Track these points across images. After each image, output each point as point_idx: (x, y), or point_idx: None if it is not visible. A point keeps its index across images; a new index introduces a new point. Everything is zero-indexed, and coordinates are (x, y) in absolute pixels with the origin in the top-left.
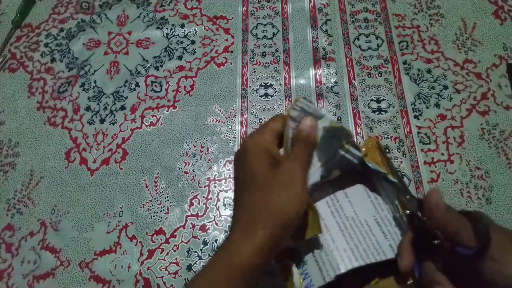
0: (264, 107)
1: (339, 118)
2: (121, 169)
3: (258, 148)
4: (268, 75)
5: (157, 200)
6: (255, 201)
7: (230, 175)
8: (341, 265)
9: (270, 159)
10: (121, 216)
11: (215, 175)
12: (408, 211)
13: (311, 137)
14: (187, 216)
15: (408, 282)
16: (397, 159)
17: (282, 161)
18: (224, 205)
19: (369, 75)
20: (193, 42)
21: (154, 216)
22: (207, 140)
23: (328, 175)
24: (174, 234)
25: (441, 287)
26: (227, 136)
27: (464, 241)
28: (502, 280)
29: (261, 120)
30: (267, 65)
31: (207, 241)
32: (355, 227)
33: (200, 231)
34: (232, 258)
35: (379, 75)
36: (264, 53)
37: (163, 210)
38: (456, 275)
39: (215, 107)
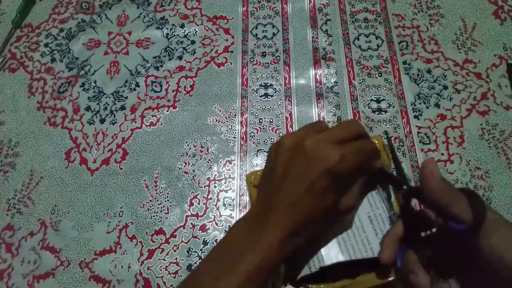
0: (264, 107)
1: (339, 118)
2: (121, 169)
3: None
4: (268, 75)
5: (157, 200)
6: (280, 193)
7: (230, 175)
8: (326, 258)
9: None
10: (121, 216)
11: (215, 175)
12: (401, 200)
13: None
14: (187, 216)
15: (390, 279)
16: None
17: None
18: (224, 205)
19: (369, 75)
20: (193, 42)
21: (154, 216)
22: (207, 140)
23: None
24: (174, 234)
25: (415, 275)
26: (227, 136)
27: (458, 214)
28: (501, 267)
29: (261, 120)
30: (267, 65)
31: (207, 241)
32: None
33: (200, 231)
34: (261, 259)
35: (379, 75)
36: (264, 53)
37: (163, 210)
38: (451, 264)
39: (215, 107)
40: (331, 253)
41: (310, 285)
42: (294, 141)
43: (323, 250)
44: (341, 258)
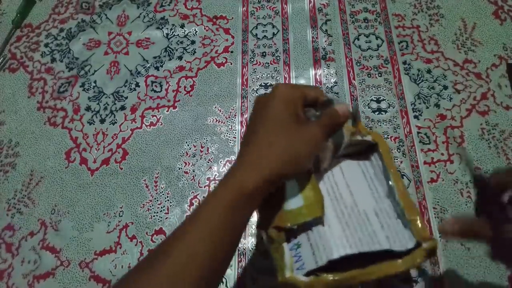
0: None
1: None
2: (121, 169)
3: (288, 98)
4: (268, 75)
5: (157, 200)
6: (269, 139)
7: None
8: (335, 251)
9: (295, 113)
10: (121, 216)
11: (215, 175)
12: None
13: (342, 119)
14: (187, 216)
15: (400, 270)
16: (397, 159)
17: (306, 122)
18: None
19: (369, 75)
20: (193, 42)
21: (154, 216)
22: (207, 140)
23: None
24: None
25: None
26: (227, 136)
27: None
28: None
29: None
30: (267, 65)
31: None
32: (352, 216)
33: None
34: (237, 187)
35: (379, 75)
36: (264, 53)
37: (163, 210)
38: None
39: (215, 107)
40: (339, 246)
41: (318, 273)
42: (273, 89)
43: (331, 243)
44: (348, 251)
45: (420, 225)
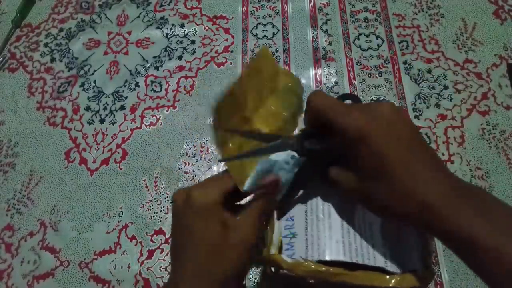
0: None
1: None
2: (121, 169)
3: (206, 207)
4: None
5: (157, 200)
6: (201, 263)
7: None
8: (327, 254)
9: (220, 222)
10: (121, 216)
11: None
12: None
13: (273, 200)
14: None
15: (390, 285)
16: None
17: (234, 223)
18: None
19: (369, 75)
20: (193, 42)
21: (154, 216)
22: (207, 140)
23: None
24: None
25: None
26: None
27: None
28: (397, 200)
29: None
30: None
31: None
32: (357, 225)
33: None
34: None
35: (379, 75)
36: None
37: (163, 210)
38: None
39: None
40: (333, 250)
41: (304, 259)
42: (184, 199)
43: (327, 245)
44: (341, 258)
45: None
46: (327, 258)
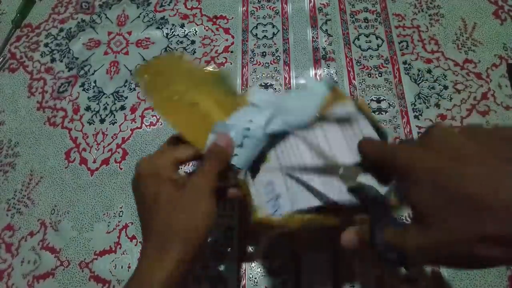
0: None
1: None
2: (121, 169)
3: (152, 172)
4: (268, 75)
5: None
6: (159, 223)
7: None
8: (313, 201)
9: (171, 183)
10: (121, 216)
11: None
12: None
13: (224, 154)
14: None
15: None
16: None
17: (188, 180)
18: None
19: (369, 75)
20: (193, 42)
21: None
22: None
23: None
24: None
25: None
26: None
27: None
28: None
29: None
30: (267, 65)
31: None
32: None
33: None
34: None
35: (379, 75)
36: (264, 53)
37: None
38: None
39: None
40: (316, 197)
41: (293, 213)
42: (136, 170)
43: (309, 195)
44: (314, 203)
45: None
46: (315, 204)
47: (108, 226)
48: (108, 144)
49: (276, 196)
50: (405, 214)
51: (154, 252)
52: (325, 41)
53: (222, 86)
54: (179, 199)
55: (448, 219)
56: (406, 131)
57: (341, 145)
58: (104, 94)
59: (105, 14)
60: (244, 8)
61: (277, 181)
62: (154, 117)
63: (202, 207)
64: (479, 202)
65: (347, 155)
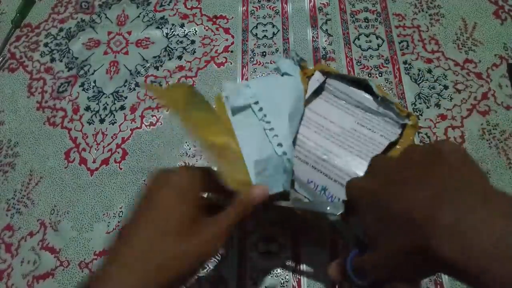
0: None
1: None
2: (120, 169)
3: (187, 188)
4: (268, 75)
5: None
6: (151, 245)
7: None
8: (357, 169)
9: (192, 210)
10: (121, 216)
11: None
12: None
13: (251, 208)
14: None
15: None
16: None
17: (205, 221)
18: None
19: (369, 75)
20: (193, 42)
21: None
22: None
23: None
24: None
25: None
26: None
27: None
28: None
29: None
30: (267, 65)
31: None
32: (348, 137)
33: None
34: None
35: (380, 75)
36: (264, 53)
37: None
38: None
39: (215, 107)
40: (358, 165)
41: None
42: (166, 174)
43: (348, 166)
44: (365, 163)
45: (400, 107)
46: (359, 172)
47: (108, 226)
48: (108, 144)
49: (323, 190)
50: None
51: (130, 265)
52: (325, 41)
53: (199, 106)
54: (188, 238)
55: (387, 237)
56: None
57: (333, 112)
58: (104, 94)
59: (105, 14)
60: (244, 8)
61: (314, 177)
62: (154, 117)
63: (203, 256)
64: (403, 217)
65: (348, 118)
